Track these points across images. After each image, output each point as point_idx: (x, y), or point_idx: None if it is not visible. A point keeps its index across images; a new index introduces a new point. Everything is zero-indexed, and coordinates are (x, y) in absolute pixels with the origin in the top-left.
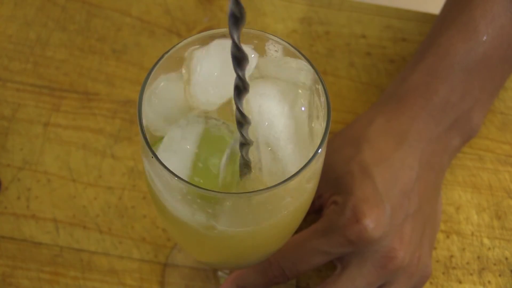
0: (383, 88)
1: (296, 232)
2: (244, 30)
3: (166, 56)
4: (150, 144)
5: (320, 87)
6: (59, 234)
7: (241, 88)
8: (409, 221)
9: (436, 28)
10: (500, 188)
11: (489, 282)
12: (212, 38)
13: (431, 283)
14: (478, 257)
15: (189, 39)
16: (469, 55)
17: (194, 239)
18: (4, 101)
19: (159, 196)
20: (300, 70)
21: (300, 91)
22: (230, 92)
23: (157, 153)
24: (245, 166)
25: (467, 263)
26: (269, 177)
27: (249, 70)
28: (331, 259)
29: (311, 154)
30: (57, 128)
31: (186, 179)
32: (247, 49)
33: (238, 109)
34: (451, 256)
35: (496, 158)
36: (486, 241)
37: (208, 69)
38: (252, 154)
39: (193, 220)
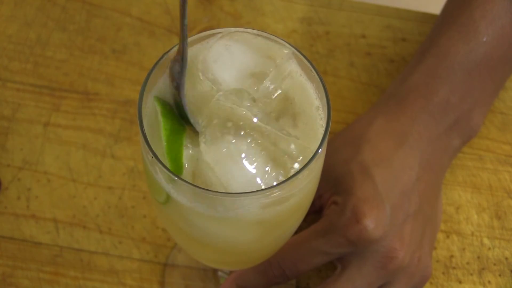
0: (383, 88)
1: (296, 232)
2: (244, 29)
3: (166, 56)
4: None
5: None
6: (59, 234)
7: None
8: (409, 221)
9: (436, 29)
10: (500, 188)
11: (489, 282)
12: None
13: (431, 283)
14: (478, 257)
15: (189, 39)
16: (470, 55)
17: (194, 239)
18: (4, 101)
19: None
20: None
21: None
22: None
23: None
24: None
25: (467, 263)
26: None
27: None
28: (331, 259)
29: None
30: (57, 128)
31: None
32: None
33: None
34: (451, 256)
35: (496, 158)
36: (486, 241)
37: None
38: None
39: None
